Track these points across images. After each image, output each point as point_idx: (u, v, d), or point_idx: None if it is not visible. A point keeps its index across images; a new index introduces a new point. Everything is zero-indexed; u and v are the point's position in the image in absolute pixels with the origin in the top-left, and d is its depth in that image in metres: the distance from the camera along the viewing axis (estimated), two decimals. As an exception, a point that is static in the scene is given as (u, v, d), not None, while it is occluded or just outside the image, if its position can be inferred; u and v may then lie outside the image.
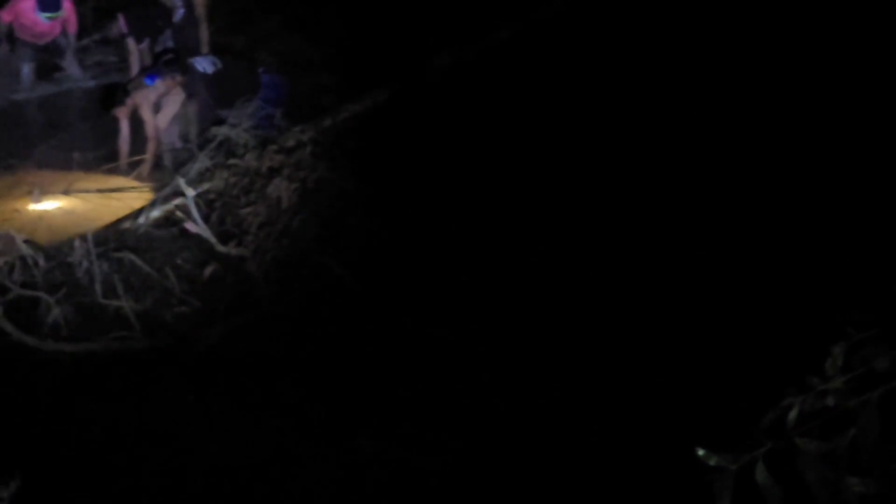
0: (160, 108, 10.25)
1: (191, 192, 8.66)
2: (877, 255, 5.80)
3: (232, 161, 9.45)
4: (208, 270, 8.39)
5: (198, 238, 8.65)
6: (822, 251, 6.40)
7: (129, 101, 9.99)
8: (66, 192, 9.47)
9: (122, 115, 10.08)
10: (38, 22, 11.09)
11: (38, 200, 9.23)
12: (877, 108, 7.62)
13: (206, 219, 8.77)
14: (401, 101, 10.07)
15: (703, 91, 8.62)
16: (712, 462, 2.20)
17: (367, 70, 10.30)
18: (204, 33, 11.12)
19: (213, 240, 8.54)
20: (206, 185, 9.38)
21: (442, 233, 8.15)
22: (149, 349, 7.50)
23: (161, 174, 9.92)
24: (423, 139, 9.26)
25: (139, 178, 10.02)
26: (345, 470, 6.20)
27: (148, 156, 10.14)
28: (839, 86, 8.20)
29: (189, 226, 8.66)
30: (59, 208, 9.28)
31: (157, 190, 9.38)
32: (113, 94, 10.05)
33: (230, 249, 8.52)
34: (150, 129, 10.09)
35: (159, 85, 9.97)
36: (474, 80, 9.96)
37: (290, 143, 9.58)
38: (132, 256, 8.23)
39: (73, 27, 11.41)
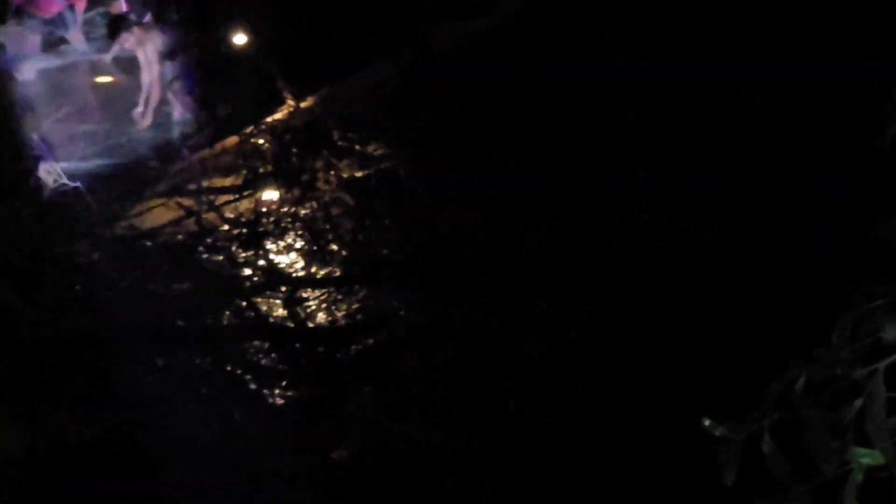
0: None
1: (197, 168, 8.65)
2: (886, 225, 5.77)
3: (237, 134, 9.44)
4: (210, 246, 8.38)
5: (202, 215, 8.64)
6: (831, 222, 6.38)
7: (137, 31, 9.99)
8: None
9: (131, 45, 10.08)
10: (55, 3, 11.09)
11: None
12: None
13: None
14: (406, 72, 10.01)
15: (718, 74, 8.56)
16: (718, 432, 2.19)
17: (370, 42, 10.22)
18: None
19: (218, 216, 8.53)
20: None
21: (449, 208, 8.12)
22: (153, 325, 7.50)
23: (167, 148, 9.90)
24: (430, 110, 9.21)
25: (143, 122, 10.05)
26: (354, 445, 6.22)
27: (150, 99, 10.15)
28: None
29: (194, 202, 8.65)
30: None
31: (163, 164, 9.36)
32: (120, 22, 10.07)
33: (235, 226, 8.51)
34: (154, 73, 10.06)
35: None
36: (480, 55, 9.89)
37: (295, 117, 9.55)
38: (137, 232, 8.22)
39: (81, 4, 11.37)
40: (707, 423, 2.19)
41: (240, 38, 10.24)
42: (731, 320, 6.19)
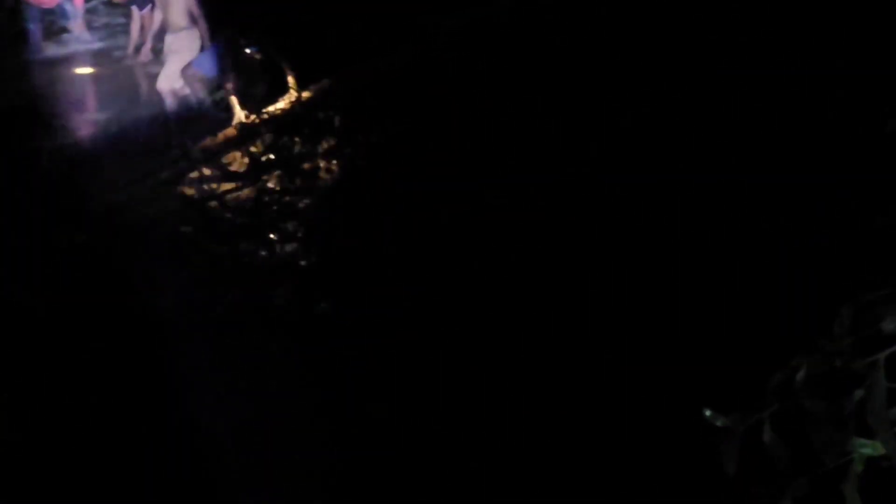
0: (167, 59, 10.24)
1: (199, 154, 8.65)
2: (887, 216, 5.78)
3: (240, 123, 9.44)
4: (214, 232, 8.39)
5: (204, 204, 8.65)
6: (832, 212, 6.39)
7: None
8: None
9: None
10: None
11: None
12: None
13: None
14: (410, 62, 10.01)
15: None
16: (719, 423, 2.20)
17: (374, 31, 10.22)
18: None
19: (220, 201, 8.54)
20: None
21: (451, 200, 8.12)
22: (154, 314, 7.50)
23: (169, 137, 9.90)
24: (432, 99, 9.21)
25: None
26: (353, 432, 6.23)
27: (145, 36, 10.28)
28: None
29: (196, 191, 8.66)
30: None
31: (164, 151, 9.36)
32: None
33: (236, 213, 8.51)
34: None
35: None
36: (483, 46, 9.88)
37: (298, 106, 9.55)
38: (139, 221, 8.23)
39: None
40: (708, 413, 2.20)
41: (245, 27, 10.25)
42: (732, 313, 6.20)
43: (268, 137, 9.32)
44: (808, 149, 7.26)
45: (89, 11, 11.75)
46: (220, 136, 9.47)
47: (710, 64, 8.38)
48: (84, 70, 11.23)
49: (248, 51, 10.03)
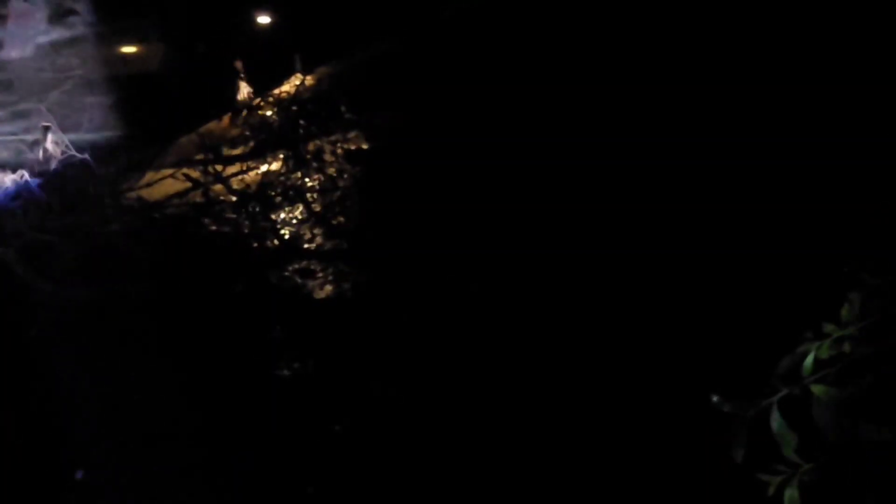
0: None
1: (205, 139, 8.64)
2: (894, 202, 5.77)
3: (245, 106, 9.42)
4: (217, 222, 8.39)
5: (209, 187, 8.64)
6: (840, 198, 6.37)
7: None
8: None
9: None
10: None
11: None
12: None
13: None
14: (410, 47, 9.98)
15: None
16: (727, 409, 2.18)
17: (378, 15, 10.19)
18: None
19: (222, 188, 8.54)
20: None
21: (453, 179, 8.11)
22: (158, 296, 7.52)
23: (174, 119, 9.88)
24: (434, 82, 9.19)
25: None
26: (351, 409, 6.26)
27: None
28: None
29: (201, 174, 8.66)
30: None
31: (170, 135, 9.35)
32: None
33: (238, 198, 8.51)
34: None
35: None
36: (483, 27, 9.85)
37: (302, 89, 9.53)
38: (144, 203, 8.24)
39: None
40: (715, 398, 2.18)
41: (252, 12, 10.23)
42: (739, 299, 6.19)
43: (271, 119, 9.30)
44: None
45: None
46: (226, 118, 9.47)
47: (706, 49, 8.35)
48: (91, 52, 11.20)
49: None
